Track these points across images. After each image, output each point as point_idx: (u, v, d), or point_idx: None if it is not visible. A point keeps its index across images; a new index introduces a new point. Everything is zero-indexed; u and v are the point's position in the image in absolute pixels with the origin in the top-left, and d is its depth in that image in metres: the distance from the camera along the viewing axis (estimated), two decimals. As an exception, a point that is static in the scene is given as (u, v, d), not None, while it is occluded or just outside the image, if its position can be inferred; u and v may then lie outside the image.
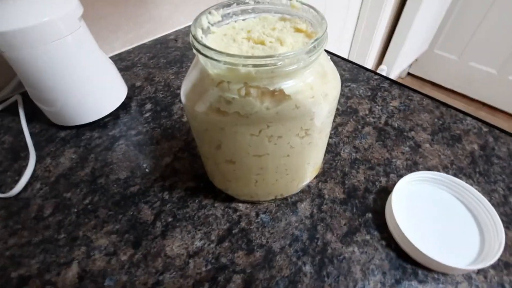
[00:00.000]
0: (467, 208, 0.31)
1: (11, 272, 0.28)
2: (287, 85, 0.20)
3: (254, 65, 0.18)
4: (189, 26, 0.65)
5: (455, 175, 0.35)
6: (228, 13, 0.24)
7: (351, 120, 0.42)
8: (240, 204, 0.33)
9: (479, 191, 0.30)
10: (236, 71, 0.18)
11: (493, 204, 0.30)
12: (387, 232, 0.30)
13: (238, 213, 0.32)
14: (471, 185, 0.33)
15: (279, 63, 0.18)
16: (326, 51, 0.25)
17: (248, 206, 0.33)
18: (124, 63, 0.55)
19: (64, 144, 0.40)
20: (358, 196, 0.33)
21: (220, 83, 0.20)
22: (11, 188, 0.34)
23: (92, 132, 0.42)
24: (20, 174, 0.36)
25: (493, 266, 0.27)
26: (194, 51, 0.20)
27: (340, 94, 0.30)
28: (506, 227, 0.30)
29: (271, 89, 0.19)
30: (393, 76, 1.69)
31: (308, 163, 0.28)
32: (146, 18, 0.58)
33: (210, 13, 0.22)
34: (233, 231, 0.31)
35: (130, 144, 0.40)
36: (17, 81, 0.47)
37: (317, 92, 0.21)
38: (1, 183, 0.36)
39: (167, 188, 0.35)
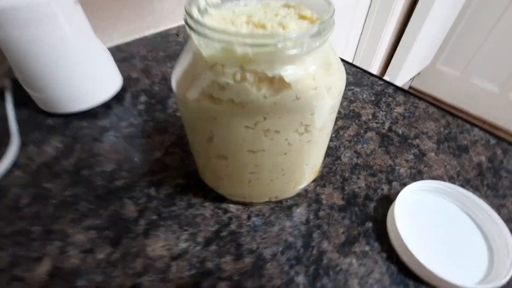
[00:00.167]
0: (474, 222, 0.29)
1: (-24, 265, 0.26)
2: (288, 72, 0.18)
3: (252, 45, 0.16)
4: (192, 22, 0.63)
5: (461, 186, 0.33)
6: (229, -4, 0.22)
7: (353, 124, 0.40)
8: (231, 205, 0.31)
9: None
10: (232, 52, 0.17)
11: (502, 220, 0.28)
12: (388, 244, 0.28)
13: (228, 215, 0.30)
14: (479, 198, 0.31)
15: (279, 45, 0.16)
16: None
17: (240, 207, 0.31)
18: (122, 54, 0.53)
19: (51, 132, 0.38)
20: (358, 204, 0.31)
21: (213, 66, 0.18)
22: (-12, 175, 0.32)
23: (80, 121, 0.40)
24: (0, 160, 0.34)
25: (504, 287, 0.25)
26: (187, 30, 0.18)
27: (343, 97, 0.28)
28: (516, 245, 0.28)
29: (270, 75, 0.17)
30: (395, 88, 1.68)
31: (306, 163, 0.26)
32: (148, 10, 0.57)
33: (208, -7, 0.21)
34: (222, 234, 0.28)
35: (119, 136, 0.38)
36: (7, 66, 0.45)
37: (320, 84, 0.19)
38: (-22, 169, 0.34)
39: (154, 184, 0.32)
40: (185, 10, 0.18)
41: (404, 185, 0.33)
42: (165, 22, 0.61)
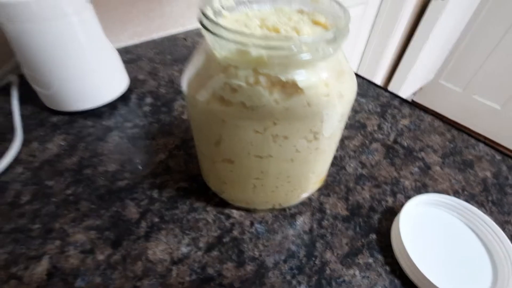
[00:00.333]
0: (479, 238, 0.29)
1: (-28, 261, 0.25)
2: (301, 77, 0.18)
3: (267, 47, 0.16)
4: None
5: (466, 201, 0.32)
6: (243, 0, 0.22)
7: (358, 134, 0.40)
8: (234, 211, 0.30)
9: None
10: (246, 54, 0.17)
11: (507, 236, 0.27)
12: (392, 257, 0.27)
13: (231, 220, 0.29)
14: (484, 213, 0.31)
15: (294, 49, 0.16)
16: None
17: (243, 213, 0.30)
18: (130, 55, 0.53)
19: (55, 130, 0.38)
20: (362, 215, 0.31)
21: (226, 68, 0.18)
22: (-10, 170, 0.32)
23: (85, 120, 0.39)
24: (2, 155, 0.34)
25: (509, 306, 0.25)
26: (202, 30, 0.18)
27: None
28: (523, 263, 0.27)
29: (283, 79, 0.17)
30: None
31: (312, 172, 0.26)
32: (158, 13, 0.57)
33: (223, -4, 0.21)
34: (224, 240, 0.28)
35: (124, 137, 0.38)
36: (15, 62, 0.45)
37: (332, 91, 0.19)
38: (-20, 163, 0.33)
39: (157, 186, 0.32)
40: (200, 11, 0.18)
41: (408, 197, 0.32)
42: (174, 26, 0.62)
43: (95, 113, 0.41)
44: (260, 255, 0.27)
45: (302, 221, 0.30)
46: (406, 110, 0.45)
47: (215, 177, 0.28)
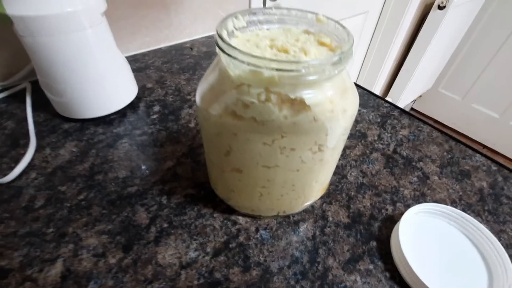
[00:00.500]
0: (475, 246, 0.30)
1: (-10, 263, 0.26)
2: (308, 95, 0.19)
3: (278, 69, 0.17)
4: (207, 37, 0.66)
5: (463, 211, 0.33)
6: (253, 20, 0.24)
7: (359, 144, 0.42)
8: (240, 217, 0.31)
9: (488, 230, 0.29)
10: (259, 74, 0.18)
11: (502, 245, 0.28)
12: (391, 264, 0.28)
13: (237, 226, 0.31)
14: (480, 223, 0.32)
15: (303, 70, 0.17)
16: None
17: (248, 220, 0.31)
18: (138, 64, 0.55)
19: (66, 136, 0.39)
20: (363, 222, 0.32)
21: (240, 85, 0.19)
22: (5, 175, 0.33)
23: (96, 127, 0.41)
24: (17, 161, 0.35)
25: (503, 312, 0.26)
26: (218, 50, 0.19)
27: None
28: (517, 271, 0.28)
29: (292, 97, 0.19)
30: (397, 109, 1.70)
31: (316, 181, 0.27)
32: (166, 24, 0.59)
33: (236, 17, 0.22)
34: (230, 245, 0.29)
35: (133, 144, 0.39)
36: (29, 69, 0.46)
37: (337, 107, 0.21)
38: (-4, 168, 0.35)
39: (166, 193, 0.33)
40: (217, 33, 0.19)
41: (408, 206, 0.34)
42: (181, 35, 0.64)
43: (106, 121, 0.42)
44: (265, 261, 0.28)
45: (306, 228, 0.31)
46: (405, 120, 0.47)
47: (223, 185, 0.29)
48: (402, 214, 0.32)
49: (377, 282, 0.27)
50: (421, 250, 0.29)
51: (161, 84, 0.50)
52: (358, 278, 0.27)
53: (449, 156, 0.41)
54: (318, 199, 0.34)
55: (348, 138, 0.43)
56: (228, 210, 0.32)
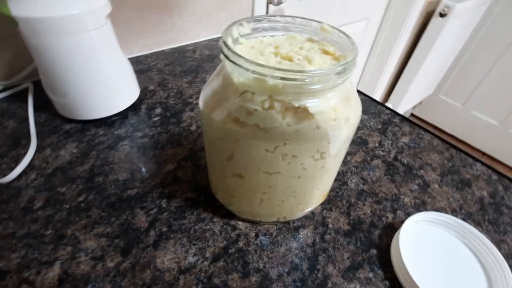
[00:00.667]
0: (475, 256, 0.30)
1: (-12, 264, 0.26)
2: (312, 104, 0.19)
3: (283, 78, 0.17)
4: (209, 40, 0.66)
5: (464, 220, 0.33)
6: (258, 28, 0.24)
7: (360, 150, 0.42)
8: (240, 223, 0.31)
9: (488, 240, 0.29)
10: (263, 82, 0.18)
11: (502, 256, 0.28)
12: (391, 272, 0.28)
13: (236, 232, 0.31)
14: (480, 233, 0.32)
15: (307, 80, 0.17)
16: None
17: (248, 225, 0.31)
18: (140, 66, 0.55)
19: (67, 137, 0.39)
20: (363, 230, 0.32)
21: (243, 92, 0.19)
22: (5, 175, 0.33)
23: (97, 129, 0.41)
24: (17, 161, 0.35)
25: (503, 324, 0.26)
26: (222, 57, 0.19)
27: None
28: (517, 283, 0.28)
29: (296, 105, 0.19)
30: (397, 115, 1.71)
31: (317, 188, 0.27)
32: (169, 26, 0.59)
33: (241, 24, 0.22)
34: (230, 251, 0.29)
35: (134, 146, 0.39)
36: (31, 69, 0.46)
37: (340, 115, 0.21)
38: (-5, 168, 0.34)
39: (166, 196, 0.33)
40: (222, 40, 0.19)
41: (408, 214, 0.34)
42: (184, 38, 0.64)
43: (107, 122, 0.42)
44: (265, 267, 0.28)
45: (306, 234, 0.31)
46: (406, 128, 0.47)
47: (224, 190, 0.29)
48: (402, 222, 0.32)
49: (376, 290, 0.27)
50: (421, 259, 0.28)
51: (163, 86, 0.51)
52: (358, 287, 0.27)
53: (450, 164, 0.41)
54: (318, 205, 0.33)
55: (350, 144, 0.42)
56: (228, 215, 0.32)
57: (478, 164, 0.41)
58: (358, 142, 0.43)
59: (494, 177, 0.40)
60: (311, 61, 0.20)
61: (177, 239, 0.29)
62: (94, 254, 0.28)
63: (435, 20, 1.29)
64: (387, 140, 0.44)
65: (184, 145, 0.40)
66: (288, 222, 0.32)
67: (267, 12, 0.76)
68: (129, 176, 0.35)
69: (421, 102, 1.97)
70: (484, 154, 1.82)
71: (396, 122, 0.48)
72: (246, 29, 0.23)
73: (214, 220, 0.31)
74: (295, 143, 0.21)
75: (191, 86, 0.51)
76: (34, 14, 0.31)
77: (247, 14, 0.71)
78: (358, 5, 1.11)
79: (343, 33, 0.22)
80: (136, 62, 0.56)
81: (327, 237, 0.31)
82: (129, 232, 0.30)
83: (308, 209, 0.31)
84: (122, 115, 0.43)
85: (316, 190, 0.28)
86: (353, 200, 0.35)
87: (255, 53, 0.22)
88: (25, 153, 0.36)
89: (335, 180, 0.37)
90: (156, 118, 0.44)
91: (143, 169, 0.36)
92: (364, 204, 0.34)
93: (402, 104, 1.65)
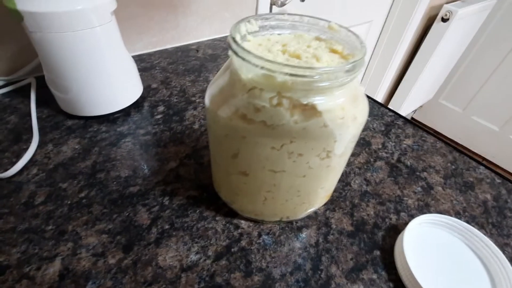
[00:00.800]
0: (479, 259, 0.30)
1: (-12, 259, 0.26)
2: (320, 101, 0.19)
3: (292, 75, 0.17)
4: (213, 39, 0.66)
5: (467, 223, 0.33)
6: (265, 25, 0.24)
7: (363, 152, 0.42)
8: (242, 221, 0.31)
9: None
10: (272, 79, 0.18)
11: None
12: (395, 274, 0.28)
13: (239, 231, 0.30)
14: (484, 235, 0.32)
15: (316, 77, 0.17)
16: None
17: (251, 224, 0.31)
18: (143, 64, 0.55)
19: (69, 133, 0.39)
20: (366, 231, 0.32)
21: (251, 89, 0.19)
22: (6, 170, 0.33)
23: (100, 125, 0.41)
24: (18, 156, 0.35)
25: (507, 328, 0.25)
26: (231, 53, 0.19)
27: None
28: (521, 286, 0.28)
29: (304, 102, 0.19)
30: (398, 118, 1.71)
31: (322, 187, 0.27)
32: (173, 25, 0.59)
33: (249, 21, 0.22)
34: (232, 249, 0.29)
35: (136, 143, 0.39)
36: (34, 64, 0.46)
37: (348, 114, 0.21)
38: (-3, 163, 0.34)
39: (168, 194, 0.33)
40: (230, 36, 0.19)
41: (411, 216, 0.33)
42: (187, 37, 0.64)
43: (109, 119, 0.42)
44: (267, 266, 0.28)
45: (309, 235, 0.31)
46: (409, 130, 0.47)
47: (227, 188, 0.29)
48: (406, 223, 0.32)
49: (380, 292, 0.27)
50: (425, 261, 0.28)
51: (166, 84, 0.50)
52: (361, 288, 0.27)
53: (453, 167, 0.41)
54: (322, 206, 0.33)
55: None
56: (231, 213, 0.32)
57: (481, 168, 0.41)
58: (361, 143, 0.43)
59: (498, 180, 0.40)
60: (319, 59, 0.20)
61: (179, 237, 0.29)
62: (95, 251, 0.27)
63: (437, 25, 1.29)
64: (390, 142, 0.44)
65: (186, 143, 0.40)
66: (291, 222, 0.32)
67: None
68: (131, 173, 0.35)
69: (421, 106, 1.97)
70: (484, 159, 1.83)
71: (399, 124, 0.48)
72: (254, 27, 0.23)
73: (217, 218, 0.31)
74: (302, 141, 0.21)
75: (194, 84, 0.51)
76: (39, 9, 0.31)
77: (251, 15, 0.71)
78: (361, 8, 1.11)
79: (351, 32, 0.22)
80: (139, 60, 0.56)
81: (330, 237, 0.31)
82: (131, 229, 0.29)
83: (311, 209, 0.31)
84: (125, 112, 0.43)
85: (320, 190, 0.28)
86: (356, 201, 0.35)
87: (263, 50, 0.22)
88: (27, 148, 0.36)
89: (339, 180, 0.37)
90: (158, 116, 0.44)
91: (145, 167, 0.36)
92: (367, 205, 0.34)
93: (403, 108, 1.65)
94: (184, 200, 0.33)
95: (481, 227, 0.34)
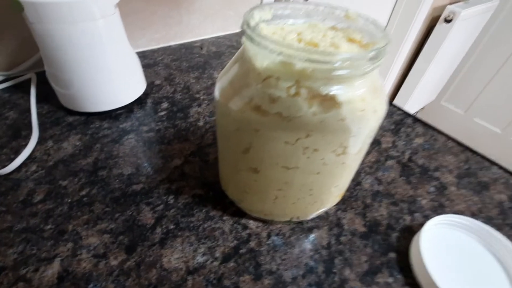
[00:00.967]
0: (499, 261, 0.28)
1: (-17, 260, 0.24)
2: (340, 92, 0.18)
3: (312, 61, 0.16)
4: (216, 37, 0.65)
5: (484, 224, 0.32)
6: (279, 14, 0.22)
7: (373, 151, 0.40)
8: (251, 221, 0.30)
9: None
10: (290, 66, 0.17)
11: (530, 262, 0.27)
12: (411, 277, 0.27)
13: (247, 231, 0.29)
14: (504, 237, 0.30)
15: (338, 63, 0.16)
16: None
17: (260, 224, 0.30)
18: (146, 60, 0.54)
19: (70, 130, 0.38)
20: (380, 232, 0.30)
21: (267, 78, 0.18)
22: (4, 166, 0.31)
23: (101, 122, 0.39)
24: (17, 152, 0.33)
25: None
26: (244, 40, 0.18)
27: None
28: (544, 291, 0.27)
29: (323, 92, 0.17)
30: (400, 120, 1.70)
31: (336, 185, 0.26)
32: (176, 21, 0.58)
33: (262, 9, 0.21)
34: (241, 251, 0.27)
35: (139, 140, 0.37)
36: (35, 59, 0.45)
37: (368, 106, 0.19)
38: (-6, 159, 0.33)
39: (173, 192, 0.32)
40: (245, 22, 0.18)
41: (426, 217, 0.32)
42: (190, 34, 0.63)
43: (112, 115, 0.40)
44: (278, 269, 0.26)
45: (320, 236, 0.29)
46: (419, 129, 0.45)
47: (236, 186, 0.28)
48: (420, 224, 0.31)
49: (396, 296, 0.25)
50: (443, 264, 0.27)
51: (169, 81, 0.49)
52: (376, 292, 0.26)
53: (466, 166, 0.39)
54: (332, 206, 0.32)
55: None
56: (238, 213, 0.30)
57: (495, 168, 0.40)
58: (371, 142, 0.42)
59: (512, 181, 0.38)
60: (338, 48, 0.19)
61: (185, 237, 0.28)
62: (96, 251, 0.26)
63: (440, 26, 1.29)
64: (400, 141, 0.42)
65: (191, 140, 0.38)
66: (301, 222, 0.30)
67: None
68: (134, 170, 0.34)
69: (423, 108, 1.96)
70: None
71: (409, 123, 0.46)
72: (267, 14, 0.22)
73: (224, 218, 0.30)
74: (319, 135, 0.20)
75: (198, 81, 0.50)
76: (40, -1, 0.29)
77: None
78: (363, 9, 1.10)
79: (371, 20, 0.21)
80: (142, 56, 0.55)
81: (343, 239, 0.29)
82: (134, 229, 0.28)
83: (323, 209, 0.29)
84: (128, 109, 0.42)
85: (334, 188, 0.26)
86: (368, 201, 0.33)
87: (277, 38, 0.20)
88: (26, 144, 0.34)
89: (349, 180, 0.35)
90: (162, 113, 0.42)
91: (149, 164, 0.34)
92: (380, 206, 0.33)
93: (405, 109, 1.64)
94: (190, 198, 0.31)
95: (498, 228, 0.32)
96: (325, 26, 0.23)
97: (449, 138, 0.44)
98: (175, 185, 0.32)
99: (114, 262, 0.25)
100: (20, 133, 0.36)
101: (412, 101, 1.64)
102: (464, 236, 0.30)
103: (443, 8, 1.27)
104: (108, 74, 0.37)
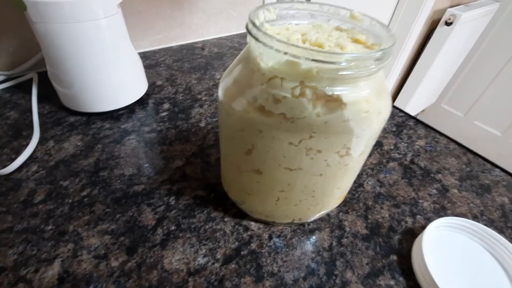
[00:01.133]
0: (501, 265, 0.28)
1: (-18, 260, 0.24)
2: (346, 92, 0.18)
3: (319, 61, 0.16)
4: (218, 38, 0.65)
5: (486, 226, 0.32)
6: (283, 14, 0.22)
7: (375, 152, 0.40)
8: (252, 223, 0.30)
9: (516, 249, 0.28)
10: (296, 66, 0.17)
11: (533, 266, 0.27)
12: (413, 280, 0.27)
13: (249, 233, 0.29)
14: (506, 239, 0.30)
15: (344, 63, 0.16)
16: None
17: (261, 226, 0.29)
18: (148, 61, 0.54)
19: (72, 130, 0.38)
20: (382, 234, 0.30)
21: (271, 78, 0.18)
22: (5, 166, 0.31)
23: (103, 122, 0.39)
24: (18, 152, 0.33)
25: None
26: (249, 39, 0.18)
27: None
28: (547, 295, 0.27)
29: (328, 93, 0.17)
30: (400, 122, 1.70)
31: (338, 187, 0.26)
32: (178, 22, 0.58)
33: (267, 9, 0.21)
34: (242, 252, 0.27)
35: (141, 141, 0.37)
36: (36, 59, 0.45)
37: (372, 107, 0.19)
38: (-5, 159, 0.33)
39: (174, 193, 0.31)
40: (250, 21, 0.18)
41: (428, 219, 0.32)
42: (192, 35, 0.63)
43: (113, 116, 0.40)
44: (279, 271, 0.26)
45: (321, 238, 0.29)
46: (421, 131, 0.45)
47: (238, 187, 0.28)
48: (422, 227, 0.31)
49: (399, 299, 0.25)
50: (445, 266, 0.27)
51: (171, 82, 0.49)
52: (379, 295, 0.25)
53: (468, 169, 0.39)
54: (334, 208, 0.32)
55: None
56: (240, 214, 0.30)
57: (497, 170, 0.40)
58: (372, 144, 0.42)
59: (514, 183, 0.38)
60: (344, 48, 0.19)
61: (186, 238, 0.28)
62: (97, 252, 0.26)
63: (441, 29, 1.29)
64: (402, 143, 0.42)
65: (193, 141, 0.38)
66: (302, 224, 0.30)
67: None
68: (136, 171, 0.33)
69: (423, 111, 1.96)
70: (486, 164, 1.81)
71: (410, 125, 0.46)
72: (272, 15, 0.21)
73: (225, 219, 0.30)
74: (322, 136, 0.20)
75: (200, 82, 0.50)
76: (43, -2, 0.29)
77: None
78: (364, 12, 1.10)
79: (377, 21, 0.21)
80: (144, 57, 0.55)
81: (344, 241, 0.29)
82: (135, 230, 0.28)
83: (325, 211, 0.29)
84: (129, 109, 0.42)
85: (336, 190, 0.26)
86: (370, 203, 0.33)
87: (282, 38, 0.20)
88: (27, 144, 0.34)
89: (351, 181, 0.35)
90: (164, 114, 0.42)
91: (150, 165, 0.34)
92: (381, 208, 0.33)
93: (406, 111, 1.64)
94: (191, 200, 0.31)
95: (500, 231, 0.32)
96: (330, 27, 0.23)
97: (451, 140, 0.44)
98: (176, 186, 0.32)
99: (115, 263, 0.25)
100: (21, 133, 0.36)
101: (413, 104, 1.64)
102: (466, 238, 0.30)
103: (443, 11, 1.27)
104: (110, 73, 0.37)
